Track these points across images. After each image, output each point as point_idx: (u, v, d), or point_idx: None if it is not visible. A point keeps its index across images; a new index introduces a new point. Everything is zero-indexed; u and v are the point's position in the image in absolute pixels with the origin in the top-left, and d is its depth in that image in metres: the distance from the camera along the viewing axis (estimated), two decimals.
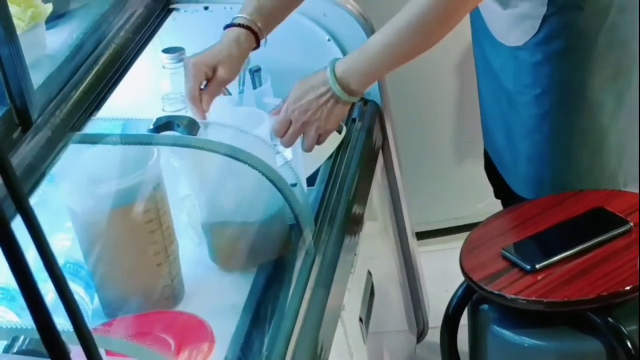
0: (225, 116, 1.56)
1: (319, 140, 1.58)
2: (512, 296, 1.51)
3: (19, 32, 1.27)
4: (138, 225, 1.35)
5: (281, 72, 1.78)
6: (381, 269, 1.89)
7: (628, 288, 1.48)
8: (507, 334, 1.57)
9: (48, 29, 1.49)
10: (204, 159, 1.42)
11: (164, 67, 1.71)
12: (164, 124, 1.41)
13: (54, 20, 1.53)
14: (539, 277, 1.53)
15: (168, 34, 1.83)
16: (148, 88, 1.78)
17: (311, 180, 1.63)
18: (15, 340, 1.06)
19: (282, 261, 1.45)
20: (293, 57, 1.84)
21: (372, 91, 1.87)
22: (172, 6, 1.89)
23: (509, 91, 1.73)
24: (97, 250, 1.36)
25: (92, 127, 1.43)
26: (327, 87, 1.53)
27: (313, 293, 1.33)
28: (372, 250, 1.81)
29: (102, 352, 0.86)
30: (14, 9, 1.34)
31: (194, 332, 1.28)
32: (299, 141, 1.58)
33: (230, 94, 1.74)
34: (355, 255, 1.59)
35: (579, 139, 1.70)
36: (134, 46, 1.66)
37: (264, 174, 1.35)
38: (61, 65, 1.45)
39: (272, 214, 1.45)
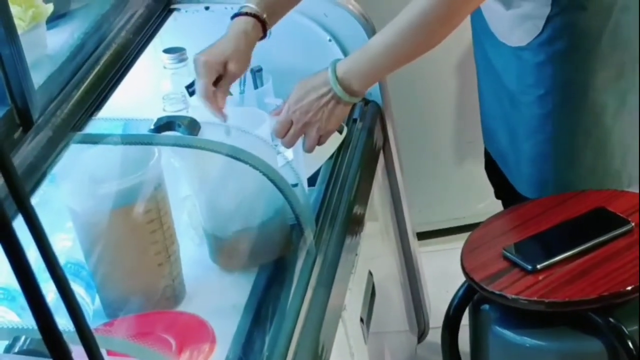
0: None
1: (320, 141, 1.57)
2: (513, 296, 1.51)
3: (19, 32, 1.27)
4: (139, 225, 1.35)
5: (282, 72, 1.78)
6: (382, 269, 1.89)
7: (629, 288, 1.48)
8: (508, 334, 1.57)
9: (49, 28, 1.49)
10: (204, 159, 1.41)
11: (164, 67, 1.71)
12: (165, 124, 1.41)
13: (54, 20, 1.53)
14: (540, 277, 1.53)
15: (169, 33, 1.83)
16: (149, 88, 1.77)
17: (312, 180, 1.63)
18: (16, 340, 1.06)
19: (282, 261, 1.45)
20: (294, 57, 1.84)
21: (373, 91, 1.87)
22: (172, 6, 1.89)
23: (512, 91, 1.73)
24: (97, 250, 1.36)
25: (92, 126, 1.43)
26: (328, 88, 1.53)
27: (314, 293, 1.33)
28: (373, 250, 1.81)
29: (103, 352, 0.85)
30: (14, 9, 1.34)
31: (195, 332, 1.28)
32: (299, 141, 1.58)
33: (231, 94, 1.74)
34: (356, 255, 1.59)
35: (582, 138, 1.70)
36: (134, 46, 1.66)
37: (264, 174, 1.35)
38: (62, 65, 1.45)
39: (272, 214, 1.45)
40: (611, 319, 1.49)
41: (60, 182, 1.35)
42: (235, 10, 1.63)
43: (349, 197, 1.59)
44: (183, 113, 1.57)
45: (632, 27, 1.66)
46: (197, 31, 1.84)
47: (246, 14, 1.59)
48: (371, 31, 1.84)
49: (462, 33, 1.65)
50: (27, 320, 1.12)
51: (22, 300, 1.19)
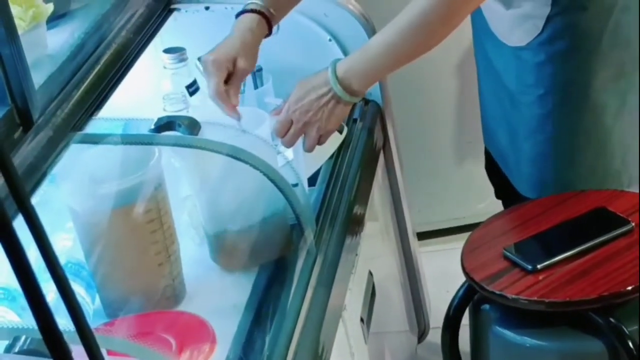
0: (226, 116, 1.56)
1: (320, 140, 1.57)
2: (513, 296, 1.51)
3: (19, 32, 1.27)
4: (139, 225, 1.35)
5: (282, 72, 1.78)
6: (382, 269, 1.89)
7: (629, 288, 1.48)
8: (508, 333, 1.57)
9: (49, 28, 1.49)
10: (205, 159, 1.41)
11: (164, 67, 1.70)
12: (165, 124, 1.41)
13: (54, 20, 1.53)
14: (540, 277, 1.53)
15: (169, 33, 1.83)
16: (149, 88, 1.77)
17: (312, 180, 1.63)
18: (16, 340, 1.06)
19: (283, 261, 1.45)
20: (294, 57, 1.84)
21: (373, 91, 1.87)
22: (172, 6, 1.88)
23: (512, 91, 1.73)
24: (98, 250, 1.36)
25: (93, 126, 1.43)
26: (328, 87, 1.53)
27: (314, 293, 1.33)
28: (373, 250, 1.81)
29: (103, 351, 0.85)
30: (15, 9, 1.34)
31: (195, 332, 1.28)
32: (299, 141, 1.58)
33: None
34: (356, 255, 1.59)
35: (582, 138, 1.70)
36: (134, 46, 1.66)
37: (265, 174, 1.35)
38: (62, 64, 1.45)
39: (273, 213, 1.45)
40: (611, 319, 1.49)
41: (61, 182, 1.35)
42: (236, 11, 1.63)
43: (349, 197, 1.59)
44: (183, 113, 1.57)
45: (632, 27, 1.66)
46: (197, 31, 1.84)
47: (251, 10, 1.59)
48: (371, 31, 1.84)
49: (462, 33, 1.65)
50: (27, 320, 1.12)
51: (22, 300, 1.19)
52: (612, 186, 1.73)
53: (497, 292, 1.53)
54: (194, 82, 1.66)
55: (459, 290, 1.69)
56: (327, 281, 1.38)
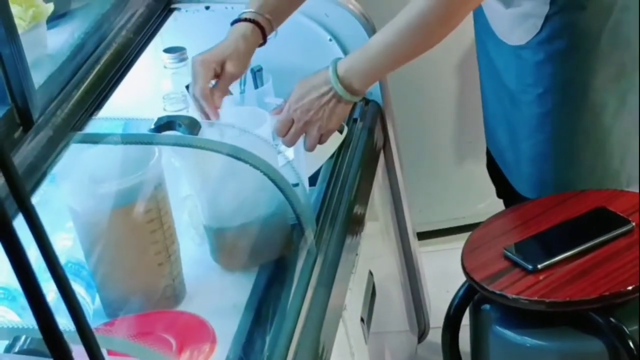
0: (226, 115, 1.56)
1: (321, 140, 1.57)
2: (514, 296, 1.51)
3: (20, 32, 1.27)
4: (139, 224, 1.35)
5: (282, 71, 1.78)
6: (382, 268, 1.89)
7: (630, 288, 1.48)
8: (509, 333, 1.57)
9: (49, 28, 1.49)
10: (205, 159, 1.41)
11: (165, 67, 1.71)
12: (165, 124, 1.41)
13: (55, 19, 1.53)
14: (541, 277, 1.53)
15: (169, 33, 1.83)
16: (149, 87, 1.77)
17: (312, 180, 1.63)
18: (16, 339, 1.06)
19: (283, 261, 1.45)
20: (294, 56, 1.84)
21: (374, 91, 1.87)
22: (173, 5, 1.89)
23: (512, 90, 1.73)
24: (98, 249, 1.36)
25: (93, 126, 1.43)
26: (328, 87, 1.53)
27: (314, 293, 1.33)
28: (373, 250, 1.81)
29: (103, 351, 0.85)
30: (15, 9, 1.34)
31: (195, 331, 1.28)
32: (300, 141, 1.58)
33: (231, 93, 1.74)
34: (357, 255, 1.59)
35: (582, 138, 1.70)
36: (135, 46, 1.66)
37: (265, 174, 1.35)
38: (62, 64, 1.45)
39: (273, 213, 1.45)
40: (612, 319, 1.48)
41: (61, 182, 1.35)
42: (236, 10, 1.63)
43: (349, 197, 1.59)
44: (183, 113, 1.57)
45: (632, 27, 1.66)
46: (197, 31, 1.84)
47: (246, 19, 1.60)
48: (371, 31, 1.84)
49: (463, 33, 1.65)
50: (27, 320, 1.12)
51: (22, 300, 1.19)
52: (612, 186, 1.73)
53: (498, 292, 1.53)
54: None
55: (459, 290, 1.69)
56: (328, 281, 1.37)
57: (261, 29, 1.60)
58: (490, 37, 1.75)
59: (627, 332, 1.48)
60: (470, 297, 1.66)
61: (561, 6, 1.61)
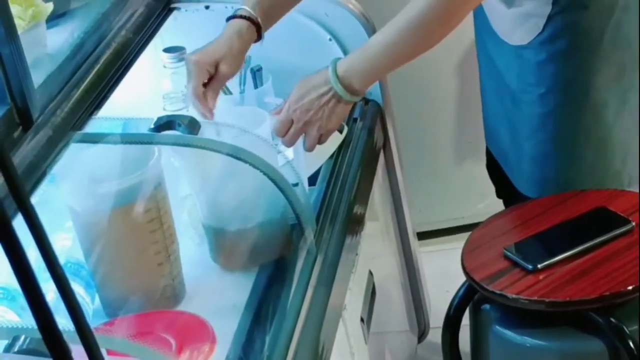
0: (226, 115, 1.56)
1: (320, 140, 1.57)
2: (514, 296, 1.51)
3: (19, 31, 1.26)
4: (139, 224, 1.35)
5: (282, 71, 1.78)
6: (382, 268, 1.88)
7: (630, 288, 1.48)
8: (509, 333, 1.57)
9: (48, 27, 1.49)
10: (205, 158, 1.41)
11: (164, 66, 1.71)
12: (165, 123, 1.41)
13: (54, 19, 1.53)
14: (541, 277, 1.53)
15: (169, 33, 1.83)
16: (149, 87, 1.77)
17: (312, 180, 1.63)
18: (15, 339, 1.06)
19: (283, 261, 1.45)
20: (294, 56, 1.84)
21: (374, 91, 1.87)
22: (172, 5, 1.88)
23: (513, 90, 1.73)
24: (97, 249, 1.36)
25: (92, 126, 1.43)
26: (328, 87, 1.53)
27: (314, 292, 1.33)
28: (373, 250, 1.81)
29: (103, 351, 0.85)
30: (14, 8, 1.34)
31: (195, 331, 1.28)
32: (300, 140, 1.58)
33: (231, 93, 1.74)
34: (357, 254, 1.59)
35: (583, 137, 1.70)
36: (134, 45, 1.65)
37: (265, 174, 1.35)
38: (62, 64, 1.44)
39: (273, 213, 1.45)
40: (612, 319, 1.48)
41: (60, 182, 1.35)
42: (232, 13, 1.63)
43: (349, 197, 1.59)
44: (183, 112, 1.57)
45: (632, 27, 1.66)
46: (197, 30, 1.84)
47: (241, 16, 1.60)
48: (371, 30, 1.84)
49: (463, 33, 1.65)
50: (27, 320, 1.11)
51: (22, 300, 1.19)
52: (613, 185, 1.72)
53: (498, 291, 1.53)
54: None
55: (459, 290, 1.69)
56: (327, 281, 1.37)
57: (256, 25, 1.60)
58: (491, 37, 1.75)
59: (627, 332, 1.48)
60: (470, 297, 1.66)
61: (563, 6, 1.61)
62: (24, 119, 1.26)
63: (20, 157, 1.23)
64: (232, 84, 1.68)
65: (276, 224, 1.47)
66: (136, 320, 1.32)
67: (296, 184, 1.42)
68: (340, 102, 1.54)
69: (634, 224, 1.60)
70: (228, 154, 1.36)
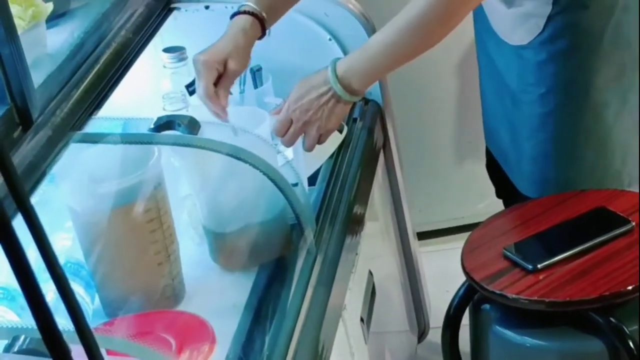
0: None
1: (320, 140, 1.57)
2: (514, 296, 1.51)
3: (19, 31, 1.26)
4: (138, 224, 1.35)
5: (282, 71, 1.78)
6: (382, 268, 1.88)
7: (630, 288, 1.48)
8: (509, 333, 1.57)
9: (48, 27, 1.48)
10: (204, 158, 1.41)
11: (164, 66, 1.70)
12: (165, 123, 1.41)
13: (54, 19, 1.53)
14: (541, 277, 1.53)
15: (169, 33, 1.83)
16: (148, 87, 1.77)
17: (312, 180, 1.63)
18: (15, 339, 1.06)
19: (283, 260, 1.45)
20: (294, 56, 1.84)
21: (373, 91, 1.87)
22: (172, 5, 1.88)
23: (513, 90, 1.73)
24: (97, 249, 1.36)
25: (92, 126, 1.43)
26: (328, 86, 1.53)
27: (314, 292, 1.33)
28: (373, 250, 1.81)
29: (103, 351, 0.85)
30: (14, 8, 1.34)
31: (195, 331, 1.28)
32: (299, 140, 1.58)
33: (231, 93, 1.73)
34: (356, 254, 1.59)
35: (583, 137, 1.70)
36: (134, 45, 1.65)
37: (264, 174, 1.35)
38: (61, 64, 1.44)
39: (273, 213, 1.45)
40: (612, 319, 1.48)
41: (60, 182, 1.35)
42: (235, 10, 1.63)
43: (349, 197, 1.59)
44: (183, 112, 1.57)
45: (632, 27, 1.66)
46: (197, 30, 1.84)
47: (245, 12, 1.60)
48: (371, 30, 1.84)
49: (463, 33, 1.65)
50: (26, 320, 1.11)
51: (21, 300, 1.19)
52: (613, 185, 1.72)
53: (497, 291, 1.53)
54: (194, 81, 1.65)
55: (459, 290, 1.69)
56: (327, 281, 1.37)
57: (260, 21, 1.60)
58: (491, 37, 1.75)
59: (627, 332, 1.48)
60: (470, 297, 1.66)
61: (563, 6, 1.61)
62: (23, 119, 1.26)
63: (20, 157, 1.23)
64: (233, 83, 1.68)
65: (276, 224, 1.46)
66: (136, 320, 1.32)
67: (296, 184, 1.42)
68: (340, 102, 1.54)
69: (633, 224, 1.60)
70: (228, 154, 1.36)
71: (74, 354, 0.62)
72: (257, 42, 1.61)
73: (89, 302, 1.35)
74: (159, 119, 1.42)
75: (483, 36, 1.81)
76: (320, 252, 1.41)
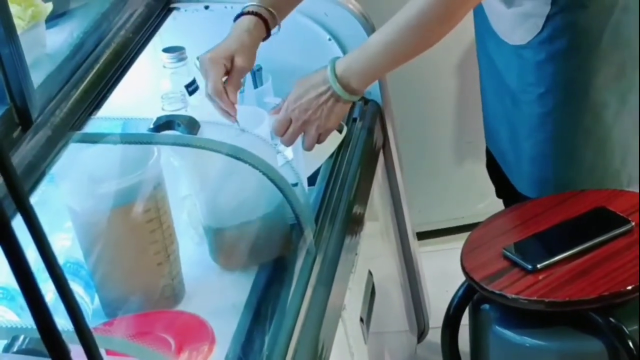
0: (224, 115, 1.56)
1: (319, 139, 1.57)
2: (513, 296, 1.51)
3: (19, 31, 1.26)
4: (138, 224, 1.35)
5: (282, 71, 1.78)
6: (382, 268, 1.88)
7: (629, 288, 1.48)
8: (508, 333, 1.57)
9: (48, 27, 1.49)
10: (204, 158, 1.41)
11: (164, 66, 1.70)
12: (164, 123, 1.41)
13: (54, 19, 1.53)
14: (540, 277, 1.52)
15: (168, 33, 1.83)
16: (148, 87, 1.77)
17: (312, 180, 1.63)
18: (15, 339, 1.06)
19: (282, 260, 1.44)
20: (294, 56, 1.84)
21: (373, 90, 1.87)
22: (172, 5, 1.88)
23: (513, 90, 1.73)
24: (97, 249, 1.36)
25: (92, 126, 1.43)
26: (327, 86, 1.53)
27: (314, 292, 1.33)
28: (373, 250, 1.81)
29: (102, 351, 0.85)
30: (14, 8, 1.34)
31: (194, 331, 1.28)
32: (299, 140, 1.58)
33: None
34: (356, 254, 1.59)
35: (583, 137, 1.70)
36: (134, 45, 1.65)
37: (264, 173, 1.35)
38: (61, 64, 1.44)
39: (272, 213, 1.45)
40: (611, 319, 1.48)
41: (60, 182, 1.35)
42: (236, 10, 1.63)
43: (348, 197, 1.59)
44: (182, 112, 1.57)
45: (632, 27, 1.66)
46: (196, 30, 1.84)
47: (249, 12, 1.60)
48: (371, 30, 1.84)
49: (463, 32, 1.65)
50: (26, 320, 1.12)
51: (21, 300, 1.19)
52: (612, 185, 1.72)
53: (497, 291, 1.53)
54: (193, 81, 1.66)
55: (458, 290, 1.69)
56: (327, 281, 1.37)
57: (264, 21, 1.60)
58: (491, 37, 1.75)
59: (627, 332, 1.48)
60: (469, 296, 1.66)
61: (562, 6, 1.61)
62: (23, 119, 1.26)
63: (19, 157, 1.23)
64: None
65: (275, 224, 1.47)
66: (135, 320, 1.32)
67: (295, 184, 1.42)
68: (339, 102, 1.54)
69: (633, 223, 1.60)
70: (227, 154, 1.36)
71: (73, 354, 0.62)
72: (267, 40, 1.62)
73: (88, 302, 1.35)
74: (159, 119, 1.42)
75: (483, 36, 1.81)
76: (320, 252, 1.41)
